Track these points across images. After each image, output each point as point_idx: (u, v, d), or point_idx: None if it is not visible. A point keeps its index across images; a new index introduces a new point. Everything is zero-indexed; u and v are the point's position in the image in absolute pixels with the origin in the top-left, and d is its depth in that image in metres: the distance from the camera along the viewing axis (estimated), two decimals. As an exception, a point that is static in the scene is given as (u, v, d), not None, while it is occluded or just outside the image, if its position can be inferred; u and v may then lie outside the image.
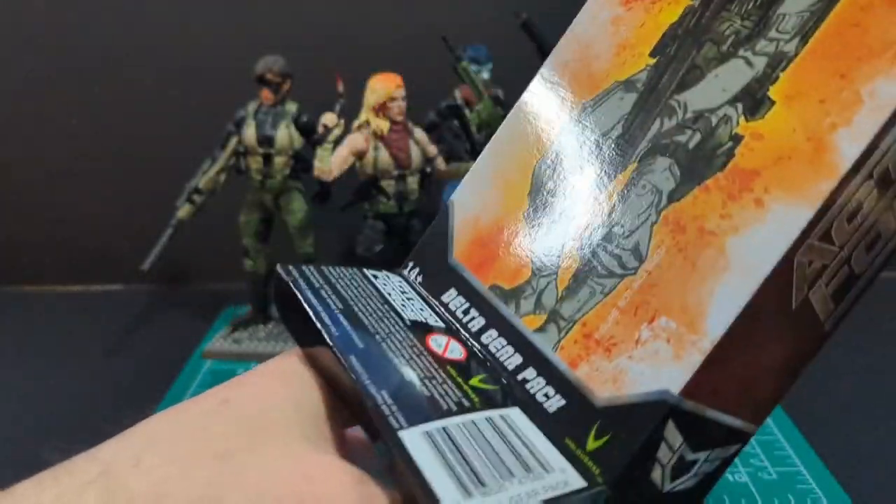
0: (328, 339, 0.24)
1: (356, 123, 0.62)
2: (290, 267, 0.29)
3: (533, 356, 0.25)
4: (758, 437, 0.51)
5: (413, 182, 0.63)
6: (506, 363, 0.26)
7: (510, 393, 0.25)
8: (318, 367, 0.26)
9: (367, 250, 0.64)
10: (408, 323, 0.27)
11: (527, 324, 0.26)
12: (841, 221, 0.21)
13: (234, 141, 0.64)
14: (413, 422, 0.21)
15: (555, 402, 0.23)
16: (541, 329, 0.26)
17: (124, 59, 0.78)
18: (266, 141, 0.64)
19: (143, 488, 0.19)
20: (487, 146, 0.32)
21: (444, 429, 0.21)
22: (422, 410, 0.22)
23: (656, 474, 0.22)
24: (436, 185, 0.66)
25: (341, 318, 0.26)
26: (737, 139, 0.23)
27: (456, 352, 0.26)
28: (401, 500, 0.22)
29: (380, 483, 0.22)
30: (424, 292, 0.30)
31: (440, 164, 0.65)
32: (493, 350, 0.26)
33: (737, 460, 0.48)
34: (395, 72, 0.61)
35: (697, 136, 0.24)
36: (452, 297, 0.29)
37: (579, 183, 0.28)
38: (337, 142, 0.62)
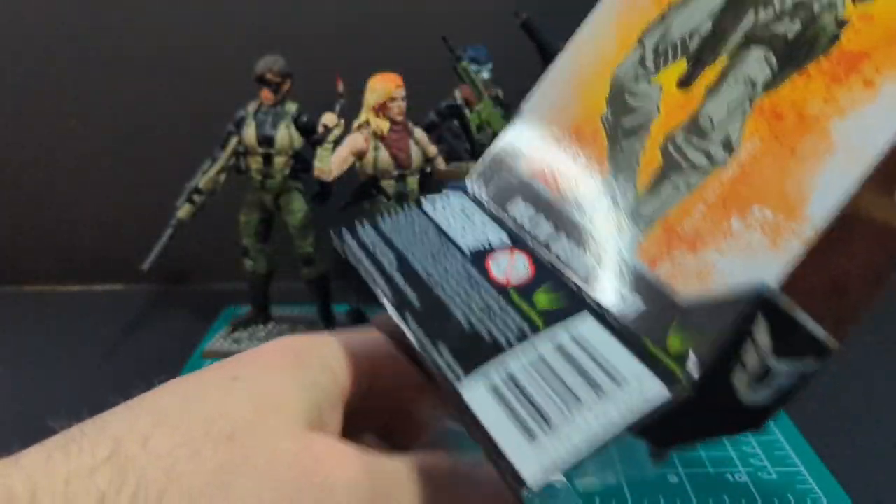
0: (387, 308, 0.24)
1: (356, 123, 0.62)
2: (344, 233, 0.29)
3: (607, 258, 0.24)
4: (758, 437, 0.51)
5: (413, 182, 0.63)
6: (576, 268, 0.24)
7: (580, 299, 0.23)
8: (392, 331, 0.25)
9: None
10: (466, 253, 0.26)
11: (600, 227, 0.25)
12: None
13: (234, 141, 0.64)
14: (472, 372, 0.21)
15: (631, 304, 0.22)
16: (616, 230, 0.24)
17: (124, 59, 0.78)
18: (266, 141, 0.64)
19: (153, 472, 0.19)
20: (562, 54, 0.31)
21: (504, 370, 0.20)
22: (479, 356, 0.21)
23: (738, 379, 0.20)
24: (436, 185, 0.66)
25: (396, 277, 0.26)
26: (842, 24, 0.22)
27: (520, 267, 0.25)
28: (406, 468, 0.22)
29: (383, 455, 0.22)
30: (492, 205, 0.29)
31: (440, 164, 0.65)
32: (562, 256, 0.25)
33: (737, 460, 0.48)
34: (395, 72, 0.61)
35: (797, 25, 0.23)
36: (520, 207, 0.28)
37: (662, 82, 0.26)
38: (337, 142, 0.62)
